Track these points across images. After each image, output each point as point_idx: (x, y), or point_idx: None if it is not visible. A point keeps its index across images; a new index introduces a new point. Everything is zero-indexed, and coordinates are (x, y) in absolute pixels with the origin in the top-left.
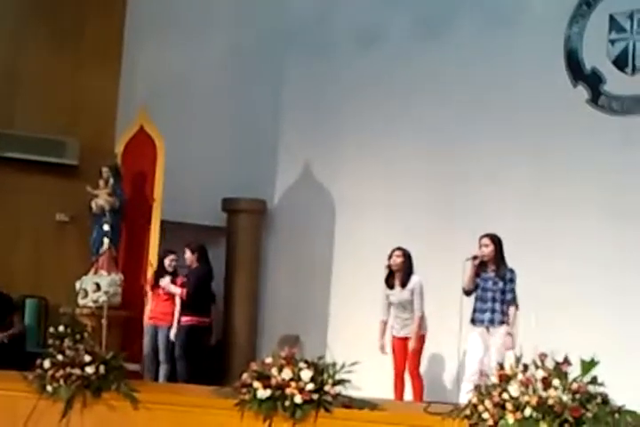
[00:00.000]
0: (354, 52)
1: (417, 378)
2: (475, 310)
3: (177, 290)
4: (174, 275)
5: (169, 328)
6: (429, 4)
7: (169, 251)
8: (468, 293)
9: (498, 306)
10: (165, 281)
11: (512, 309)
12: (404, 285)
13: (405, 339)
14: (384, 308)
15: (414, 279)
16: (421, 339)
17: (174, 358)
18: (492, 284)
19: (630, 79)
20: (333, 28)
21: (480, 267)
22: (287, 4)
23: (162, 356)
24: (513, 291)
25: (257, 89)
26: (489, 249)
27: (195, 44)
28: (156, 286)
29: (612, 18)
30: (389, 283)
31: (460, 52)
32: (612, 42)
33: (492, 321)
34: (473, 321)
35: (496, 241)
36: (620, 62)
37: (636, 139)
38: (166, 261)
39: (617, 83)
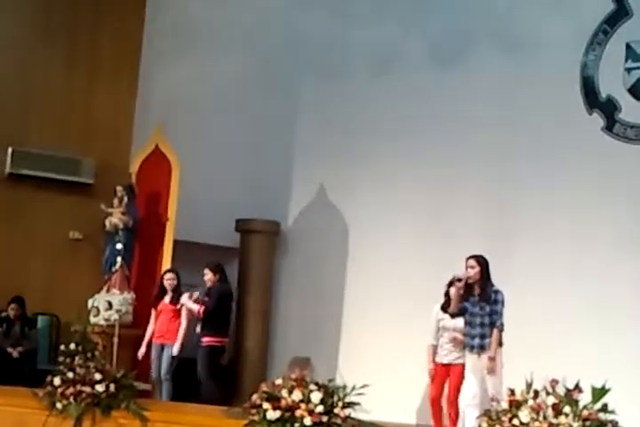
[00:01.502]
0: (369, 77)
1: (454, 406)
2: (465, 336)
3: (195, 307)
4: (176, 293)
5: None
6: (445, 31)
7: (168, 270)
8: (453, 315)
9: (487, 331)
10: (185, 298)
11: (495, 331)
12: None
13: (449, 365)
14: (433, 332)
15: None
16: (464, 367)
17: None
18: (479, 308)
19: None
20: (349, 53)
21: (466, 290)
22: (303, 29)
23: (164, 374)
24: (497, 313)
25: (272, 110)
26: (474, 271)
27: (210, 64)
28: (159, 304)
29: (628, 46)
30: (445, 309)
31: (475, 79)
32: (629, 70)
33: (482, 347)
34: (464, 347)
35: (482, 263)
36: (636, 91)
37: None
38: (165, 281)
39: (632, 111)
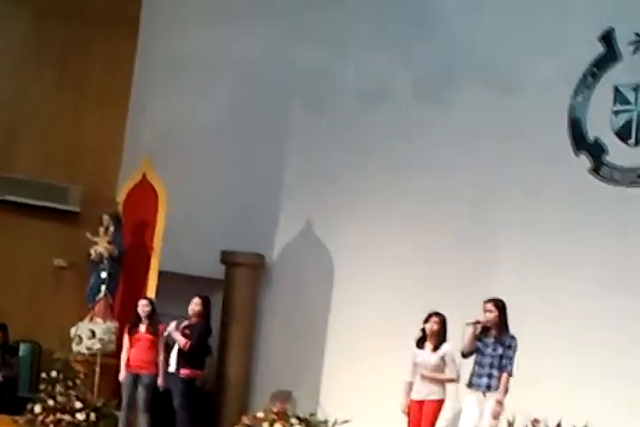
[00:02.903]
0: (357, 111)
1: None
2: (472, 375)
3: (182, 340)
4: (152, 322)
5: (152, 376)
6: (433, 65)
7: (142, 297)
8: (465, 355)
9: (495, 372)
10: (172, 328)
11: (504, 375)
12: (435, 349)
13: (423, 402)
14: (410, 369)
15: (445, 347)
16: (440, 404)
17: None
18: (492, 350)
19: (633, 151)
20: (337, 86)
21: (482, 331)
22: (291, 60)
23: (142, 405)
24: (510, 358)
25: (260, 142)
26: (493, 315)
27: (200, 96)
28: (135, 332)
29: (616, 89)
30: (420, 345)
31: (461, 115)
32: (616, 113)
33: (488, 387)
34: (470, 385)
35: (500, 307)
36: (623, 134)
37: (636, 209)
38: (139, 308)
39: (619, 154)
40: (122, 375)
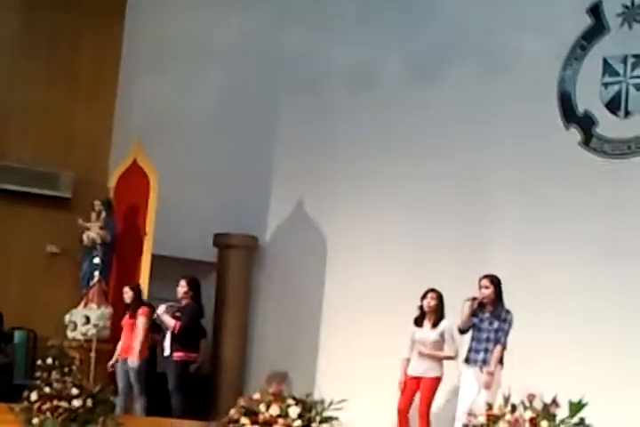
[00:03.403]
0: (348, 93)
1: (426, 418)
2: (469, 350)
3: (171, 322)
4: (133, 306)
5: (143, 360)
6: (422, 47)
7: (125, 284)
8: (463, 331)
9: (492, 346)
10: (161, 310)
11: (498, 348)
12: (434, 326)
13: (419, 378)
14: (408, 346)
15: (444, 323)
16: (437, 381)
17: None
18: (488, 324)
19: (622, 122)
20: (328, 69)
21: (478, 307)
22: (281, 43)
23: (136, 389)
24: (504, 331)
25: (251, 125)
26: (489, 291)
27: (189, 80)
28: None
29: (605, 61)
30: (419, 322)
31: (452, 94)
32: (606, 85)
33: (485, 361)
34: (467, 360)
35: (495, 282)
36: (613, 105)
37: (627, 181)
38: (125, 295)
39: (609, 126)
40: (110, 363)
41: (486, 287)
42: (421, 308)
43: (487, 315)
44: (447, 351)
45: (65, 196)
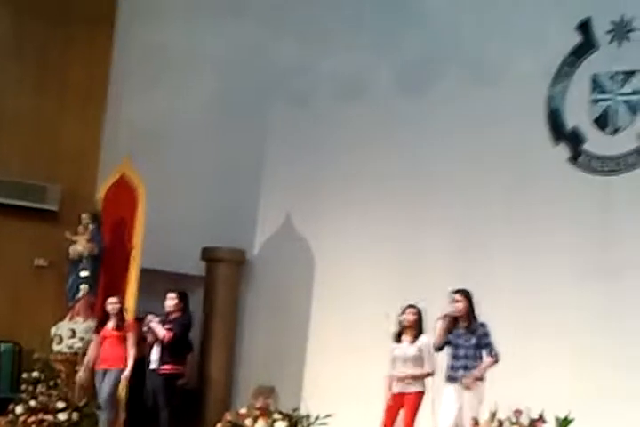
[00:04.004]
0: (338, 105)
1: None
2: (449, 368)
3: (163, 332)
4: (119, 317)
5: (118, 371)
6: (413, 58)
7: (111, 295)
8: (438, 349)
9: (470, 363)
10: (153, 322)
11: (489, 358)
12: (413, 341)
13: (403, 394)
14: (390, 363)
15: (423, 339)
16: (420, 396)
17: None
18: (465, 340)
19: (611, 139)
20: (317, 80)
21: (452, 323)
22: (271, 55)
23: (105, 398)
24: (489, 344)
25: (240, 139)
26: (461, 305)
27: (179, 92)
28: (102, 331)
29: (594, 78)
30: (398, 338)
31: (442, 107)
32: (594, 102)
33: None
34: (448, 378)
35: (468, 297)
36: (601, 122)
37: (614, 198)
38: (108, 305)
39: (597, 142)
40: (79, 376)
41: (459, 301)
42: (401, 323)
43: (462, 331)
44: (426, 368)
45: (52, 209)
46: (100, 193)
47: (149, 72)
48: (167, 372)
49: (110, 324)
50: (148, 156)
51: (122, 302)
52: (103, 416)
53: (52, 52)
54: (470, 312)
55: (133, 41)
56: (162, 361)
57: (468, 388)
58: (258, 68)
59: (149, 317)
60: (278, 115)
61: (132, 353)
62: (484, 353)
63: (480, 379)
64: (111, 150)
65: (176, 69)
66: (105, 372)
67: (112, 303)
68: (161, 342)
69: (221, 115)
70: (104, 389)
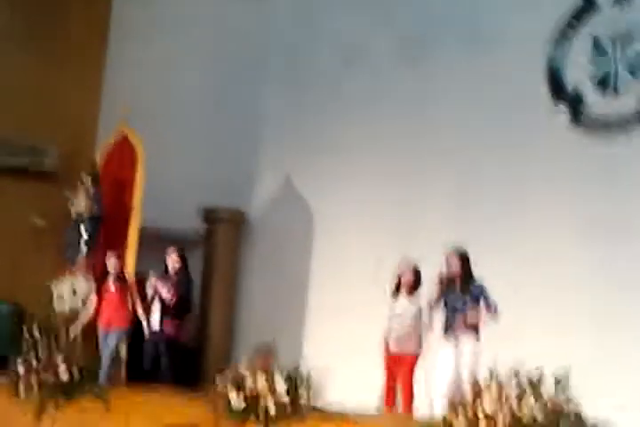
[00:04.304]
0: (337, 68)
1: (409, 394)
2: (446, 329)
3: (168, 295)
4: (119, 276)
5: (122, 330)
6: (411, 24)
7: (112, 254)
8: (435, 309)
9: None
10: (159, 284)
11: (486, 310)
12: (411, 300)
13: (399, 356)
14: (388, 320)
15: (420, 296)
16: (417, 356)
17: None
18: (462, 303)
19: (611, 101)
20: (318, 43)
21: (448, 284)
22: (271, 20)
23: (106, 359)
24: (489, 300)
25: (240, 99)
26: (456, 266)
27: (178, 52)
28: (102, 290)
29: (595, 40)
30: (395, 296)
31: (442, 72)
32: (595, 64)
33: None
34: (444, 338)
35: (464, 258)
36: (602, 84)
37: (616, 159)
38: (109, 264)
39: (598, 104)
40: (76, 329)
41: (454, 262)
42: (398, 282)
43: (458, 292)
44: (423, 326)
45: (52, 169)
46: (99, 153)
47: (148, 32)
48: (168, 332)
49: (111, 283)
50: (147, 116)
51: (122, 261)
52: (103, 374)
53: (51, 15)
54: (467, 273)
55: (132, 3)
56: (163, 321)
57: (457, 328)
58: (256, 32)
59: (152, 277)
60: (277, 76)
61: (139, 310)
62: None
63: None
64: (110, 110)
65: (175, 28)
66: (107, 331)
67: (113, 262)
68: (162, 302)
69: (220, 75)
70: (106, 347)
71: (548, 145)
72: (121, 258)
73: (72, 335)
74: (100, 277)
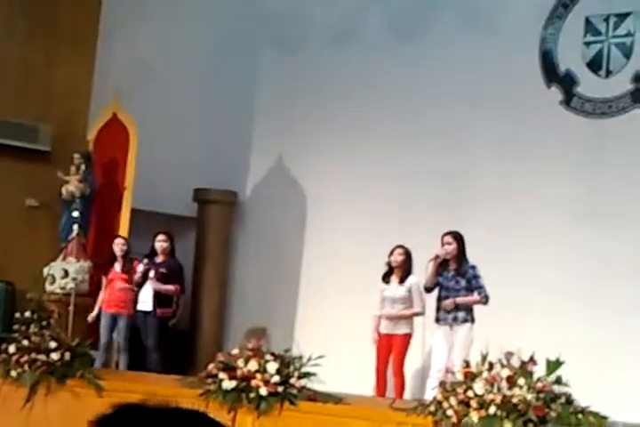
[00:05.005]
0: (330, 47)
1: (400, 375)
2: (438, 309)
3: (170, 288)
4: (126, 259)
5: (129, 316)
6: (405, 2)
7: (118, 235)
8: (428, 289)
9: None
10: (156, 284)
11: (477, 297)
12: (401, 282)
13: (391, 336)
14: (379, 303)
15: (412, 279)
16: (408, 338)
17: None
18: (455, 283)
19: (604, 82)
20: (308, 24)
21: (442, 265)
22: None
23: (123, 344)
24: (480, 287)
25: (232, 80)
26: (451, 247)
27: (171, 33)
28: (109, 273)
29: (587, 20)
30: (386, 279)
31: (434, 51)
32: (588, 44)
33: (455, 319)
34: (437, 320)
35: (458, 239)
36: (595, 65)
37: (607, 140)
38: (115, 246)
39: (591, 85)
40: (92, 315)
41: (449, 244)
42: (389, 264)
43: (452, 273)
44: (415, 308)
45: (44, 149)
46: (92, 133)
47: (141, 12)
48: (162, 315)
49: (117, 266)
50: (140, 96)
51: (129, 244)
52: (122, 359)
53: None
54: (461, 254)
55: None
56: (153, 303)
57: (444, 309)
58: (248, 11)
59: (145, 261)
60: (270, 57)
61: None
62: (475, 294)
63: (468, 309)
64: (102, 90)
65: (168, 10)
66: (115, 315)
67: (120, 244)
68: (153, 283)
69: (213, 56)
70: (120, 332)
71: (541, 125)
72: (125, 241)
73: (90, 319)
74: (101, 259)
